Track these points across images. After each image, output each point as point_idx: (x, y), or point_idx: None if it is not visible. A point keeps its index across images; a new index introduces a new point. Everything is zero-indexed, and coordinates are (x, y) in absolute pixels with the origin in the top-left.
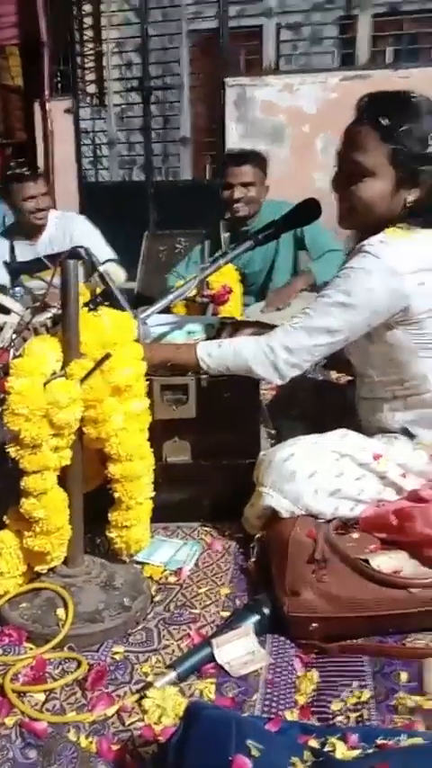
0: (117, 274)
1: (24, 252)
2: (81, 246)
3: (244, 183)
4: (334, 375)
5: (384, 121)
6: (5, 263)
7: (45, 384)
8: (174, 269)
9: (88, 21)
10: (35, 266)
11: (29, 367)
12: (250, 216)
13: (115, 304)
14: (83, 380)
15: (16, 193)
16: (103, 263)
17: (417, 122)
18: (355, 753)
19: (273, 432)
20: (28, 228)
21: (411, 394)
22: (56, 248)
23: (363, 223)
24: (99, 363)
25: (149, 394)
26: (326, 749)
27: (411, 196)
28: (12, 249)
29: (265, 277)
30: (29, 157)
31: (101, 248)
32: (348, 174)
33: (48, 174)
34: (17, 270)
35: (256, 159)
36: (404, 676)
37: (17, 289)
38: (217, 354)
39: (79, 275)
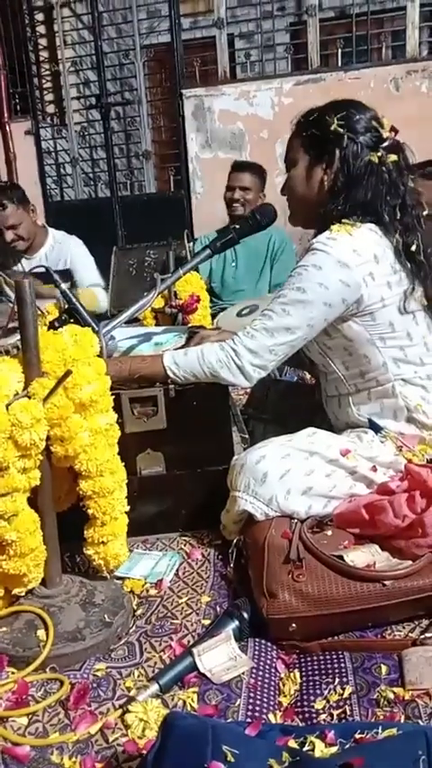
0: (92, 299)
1: (19, 265)
2: (42, 265)
3: (242, 187)
4: (308, 376)
5: (300, 119)
6: None
7: (7, 405)
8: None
9: (43, 42)
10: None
11: None
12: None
13: (80, 321)
14: (45, 399)
15: None
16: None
17: (323, 112)
18: (334, 749)
19: (246, 436)
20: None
21: (374, 386)
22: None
23: (299, 213)
24: (60, 381)
25: (119, 408)
26: (305, 748)
27: (327, 177)
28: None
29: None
30: None
31: (90, 272)
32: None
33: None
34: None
35: (255, 170)
36: (384, 669)
37: None
38: (183, 363)
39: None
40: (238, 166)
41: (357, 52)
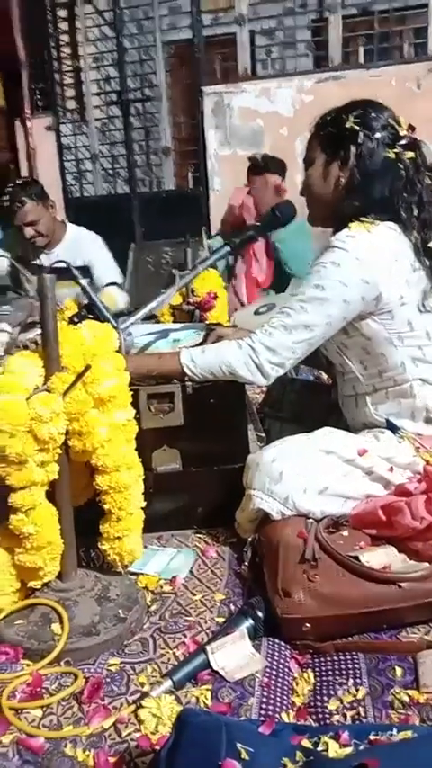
0: (112, 297)
1: (38, 258)
2: (62, 261)
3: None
4: (325, 375)
5: (319, 120)
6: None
7: (27, 399)
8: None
9: (65, 38)
10: (57, 271)
11: (10, 383)
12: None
13: (99, 316)
14: (65, 394)
15: (15, 217)
16: (104, 286)
17: (340, 112)
18: (348, 750)
19: (262, 434)
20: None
21: (392, 385)
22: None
23: (318, 212)
24: (79, 376)
25: (136, 404)
26: (319, 748)
27: (343, 175)
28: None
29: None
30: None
31: (108, 269)
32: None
33: (44, 194)
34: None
35: (273, 167)
36: (399, 671)
37: (5, 307)
38: (200, 360)
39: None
40: (251, 168)
41: (379, 50)
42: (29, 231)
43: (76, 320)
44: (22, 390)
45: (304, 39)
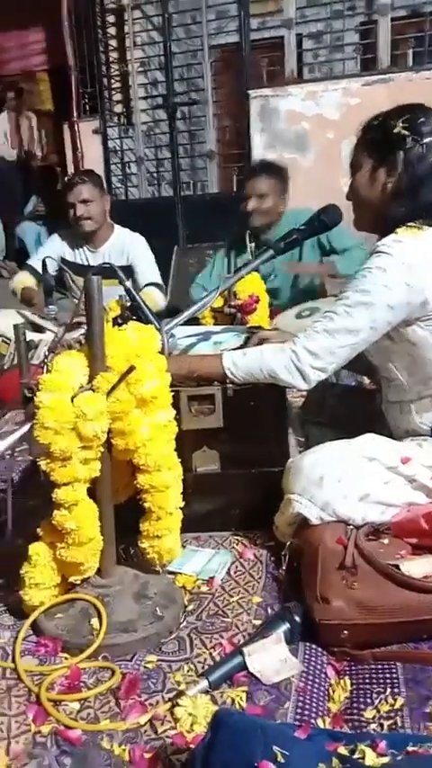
0: (151, 297)
1: (85, 256)
2: (108, 263)
3: (259, 194)
4: (366, 380)
5: (365, 124)
6: (65, 260)
7: (73, 398)
8: (195, 281)
9: (113, 43)
10: (101, 272)
11: (57, 382)
12: (267, 226)
13: (143, 318)
14: (109, 393)
15: (68, 197)
16: (144, 286)
17: (388, 117)
18: (385, 760)
19: (302, 439)
20: (86, 235)
21: None
22: (113, 261)
23: (364, 218)
24: (123, 376)
25: (177, 405)
26: (355, 756)
27: (390, 181)
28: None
29: (290, 286)
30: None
31: (150, 271)
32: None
33: (102, 184)
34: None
35: (271, 170)
36: None
37: (51, 307)
38: (242, 363)
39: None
40: (252, 169)
41: (429, 52)
42: (81, 208)
43: (120, 321)
44: (68, 389)
45: (352, 42)
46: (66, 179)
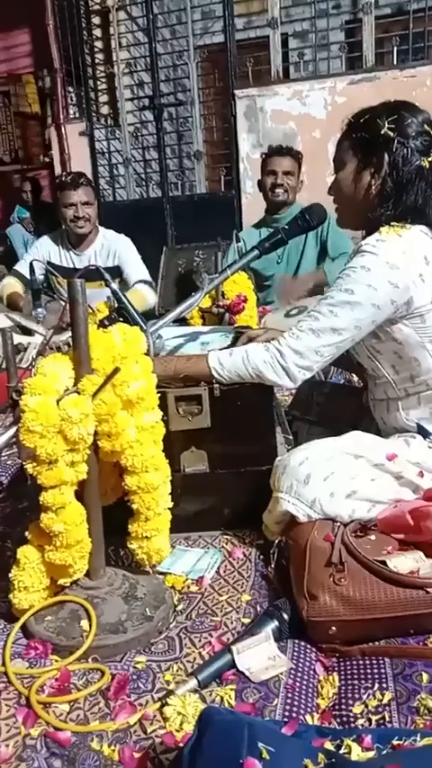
0: (142, 294)
1: (71, 260)
2: (94, 265)
3: (285, 171)
4: (355, 378)
5: (351, 120)
6: (52, 264)
7: (58, 401)
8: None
9: (99, 44)
10: (88, 274)
11: (42, 385)
12: (288, 203)
13: (129, 319)
14: (94, 395)
15: (60, 200)
16: (134, 284)
17: (373, 115)
18: (371, 754)
19: (290, 437)
20: (74, 239)
21: (423, 390)
22: (99, 263)
23: (347, 216)
24: (108, 378)
25: (164, 406)
26: (341, 751)
27: (375, 182)
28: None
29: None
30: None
31: (138, 270)
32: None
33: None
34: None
35: (294, 155)
36: (426, 677)
37: (39, 310)
38: (228, 363)
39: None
40: (277, 151)
41: (414, 50)
42: (82, 210)
43: (107, 323)
44: (53, 392)
45: (337, 40)
46: (66, 179)
